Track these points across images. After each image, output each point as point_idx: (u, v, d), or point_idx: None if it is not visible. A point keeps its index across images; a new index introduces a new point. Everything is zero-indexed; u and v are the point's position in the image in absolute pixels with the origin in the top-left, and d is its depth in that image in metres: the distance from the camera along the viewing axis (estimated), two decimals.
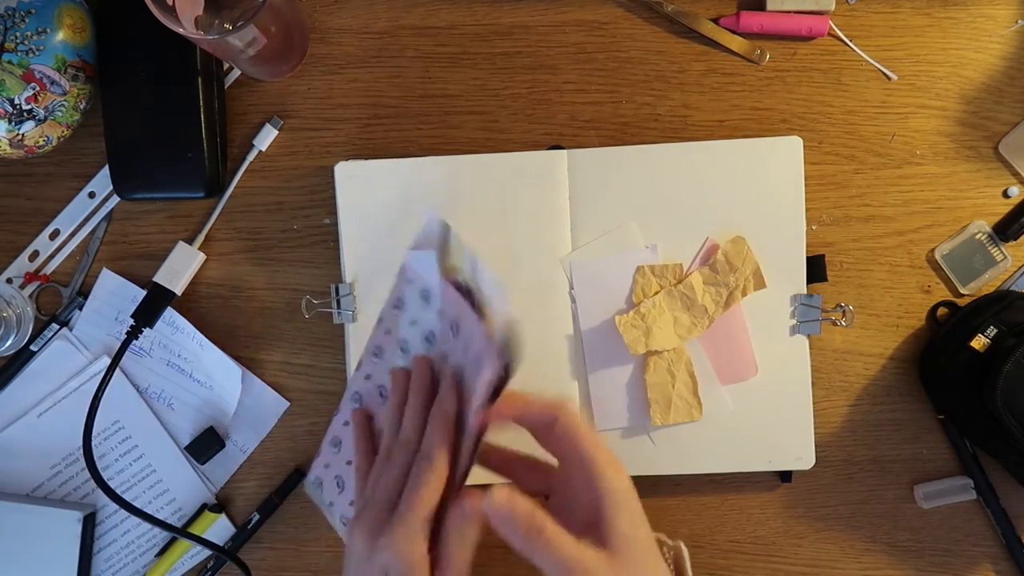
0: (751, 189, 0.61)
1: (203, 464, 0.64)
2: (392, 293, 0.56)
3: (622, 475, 0.45)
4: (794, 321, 0.61)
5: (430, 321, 0.54)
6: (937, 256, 0.63)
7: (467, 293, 0.49)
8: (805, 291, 0.61)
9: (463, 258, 0.50)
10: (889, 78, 0.63)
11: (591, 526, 0.45)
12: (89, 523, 0.63)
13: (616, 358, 0.61)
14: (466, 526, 0.46)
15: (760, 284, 0.61)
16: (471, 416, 0.46)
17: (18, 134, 0.57)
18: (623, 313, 0.60)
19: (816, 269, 0.61)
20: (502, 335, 0.46)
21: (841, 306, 0.62)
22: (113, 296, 0.64)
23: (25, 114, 0.57)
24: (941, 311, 0.63)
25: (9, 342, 0.63)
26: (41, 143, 0.59)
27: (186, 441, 0.64)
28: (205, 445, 0.63)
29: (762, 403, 0.61)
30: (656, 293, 0.61)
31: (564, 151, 0.61)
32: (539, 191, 0.61)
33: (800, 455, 0.61)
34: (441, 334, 0.51)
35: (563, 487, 0.48)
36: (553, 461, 0.48)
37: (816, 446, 0.61)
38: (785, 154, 0.61)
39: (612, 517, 0.44)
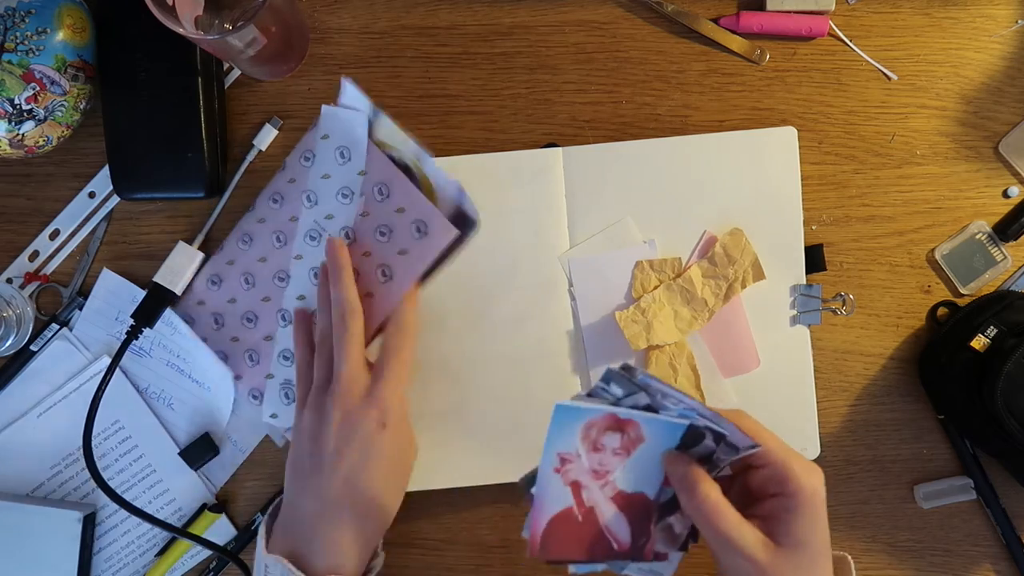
0: (747, 181, 0.61)
1: (196, 470, 0.64)
2: (300, 145, 0.62)
3: (816, 477, 0.47)
4: (794, 312, 0.61)
5: (347, 178, 0.59)
6: (937, 256, 0.63)
7: (405, 169, 0.56)
8: (804, 281, 0.61)
9: (401, 142, 0.57)
10: (889, 78, 0.63)
11: (770, 519, 0.47)
12: (89, 523, 0.63)
13: (617, 354, 0.61)
14: (401, 314, 0.55)
15: (759, 276, 0.61)
16: (404, 272, 0.56)
17: (18, 134, 0.57)
18: (623, 308, 0.60)
19: (815, 259, 0.62)
20: (451, 206, 0.53)
21: (841, 295, 0.62)
22: (113, 296, 0.64)
23: (25, 114, 0.57)
24: (941, 311, 0.63)
25: (9, 342, 0.63)
26: (41, 143, 0.59)
27: (185, 441, 0.64)
28: (199, 451, 0.63)
29: (765, 394, 0.61)
30: (655, 287, 0.61)
31: (559, 149, 0.61)
32: (535, 189, 0.61)
33: (805, 445, 0.61)
34: (365, 195, 0.58)
35: (749, 485, 0.50)
36: None
37: None
38: (780, 144, 0.61)
39: (793, 519, 0.46)
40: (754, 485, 0.49)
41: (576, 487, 0.48)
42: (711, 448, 0.47)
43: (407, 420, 0.55)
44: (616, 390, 0.46)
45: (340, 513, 0.52)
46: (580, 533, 0.49)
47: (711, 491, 0.46)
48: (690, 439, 0.47)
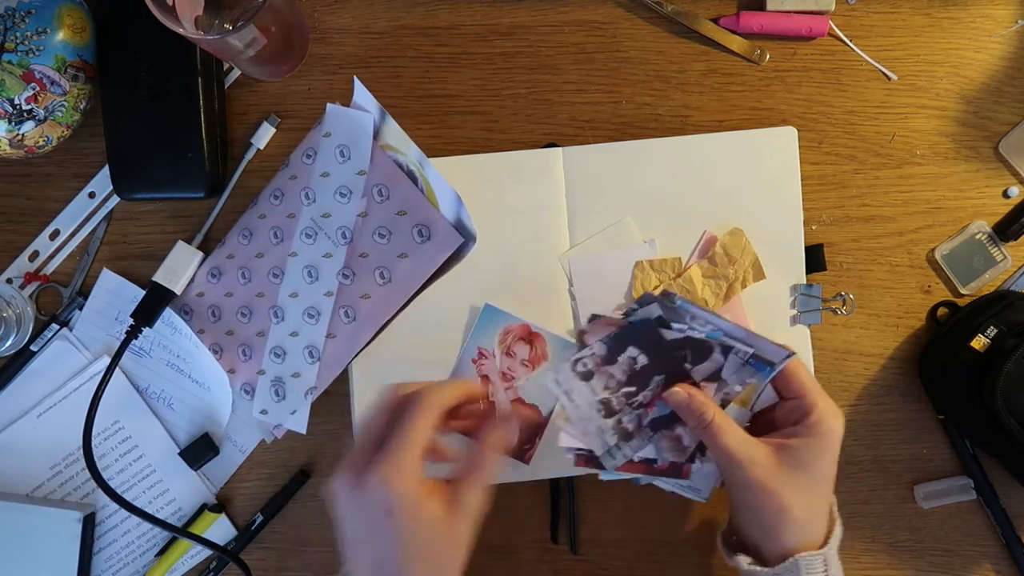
0: (747, 181, 0.61)
1: (196, 470, 0.64)
2: (304, 142, 0.62)
3: (837, 421, 0.51)
4: (795, 311, 0.61)
5: (346, 177, 0.60)
6: (937, 256, 0.63)
7: (408, 174, 0.57)
8: (804, 281, 0.61)
9: (406, 146, 0.57)
10: (889, 78, 0.63)
11: (782, 442, 0.50)
12: (89, 523, 0.63)
13: None
14: (495, 433, 0.49)
15: (759, 275, 0.61)
16: (404, 276, 0.57)
17: (18, 134, 0.57)
18: (623, 308, 0.60)
19: (815, 259, 0.62)
20: (451, 215, 0.55)
21: (841, 295, 0.62)
22: (113, 296, 0.64)
23: (25, 114, 0.57)
24: (941, 311, 0.63)
25: (9, 342, 0.63)
26: (41, 143, 0.59)
27: (185, 441, 0.64)
28: (199, 451, 0.63)
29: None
30: (656, 287, 0.61)
31: (559, 149, 0.61)
32: (535, 189, 0.61)
33: None
34: (365, 195, 0.59)
35: (774, 413, 0.54)
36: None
37: None
38: (780, 144, 0.61)
39: (803, 444, 0.50)
40: (779, 417, 0.53)
41: (485, 381, 0.59)
42: (719, 363, 0.53)
43: (454, 523, 0.46)
44: (655, 310, 0.52)
45: None
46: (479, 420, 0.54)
47: (715, 414, 0.50)
48: (696, 354, 0.53)
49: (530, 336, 0.57)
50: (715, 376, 0.53)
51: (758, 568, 0.51)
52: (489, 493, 0.47)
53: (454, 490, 0.46)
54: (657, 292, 0.53)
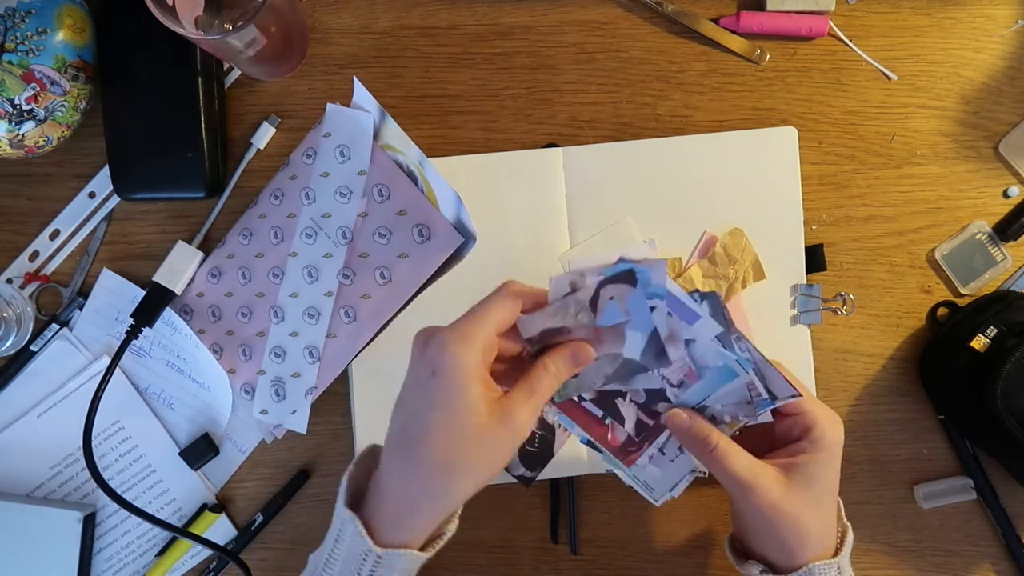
0: (747, 181, 0.61)
1: (196, 470, 0.64)
2: (304, 142, 0.62)
3: (838, 428, 0.51)
4: (795, 311, 0.61)
5: (345, 177, 0.60)
6: (937, 256, 0.63)
7: (408, 174, 0.56)
8: (804, 281, 0.61)
9: (406, 146, 0.56)
10: (889, 78, 0.63)
11: (788, 461, 0.50)
12: (89, 523, 0.63)
13: None
14: (562, 363, 0.48)
15: (760, 275, 0.61)
16: (404, 276, 0.55)
17: (18, 134, 0.57)
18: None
19: (815, 259, 0.62)
20: (452, 215, 0.54)
21: (841, 295, 0.62)
22: (113, 296, 0.64)
23: (25, 114, 0.57)
24: (941, 311, 0.63)
25: (9, 342, 0.63)
26: (41, 143, 0.59)
27: (185, 441, 0.64)
28: (199, 451, 0.63)
29: None
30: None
31: (559, 149, 0.61)
32: (535, 189, 0.61)
33: None
34: (365, 195, 0.58)
35: (774, 429, 0.53)
36: None
37: None
38: (780, 144, 0.61)
39: (810, 460, 0.49)
40: (779, 432, 0.53)
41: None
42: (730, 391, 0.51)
43: (512, 413, 0.45)
44: (705, 309, 0.49)
45: (392, 463, 0.47)
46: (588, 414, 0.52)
47: (719, 439, 0.49)
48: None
49: None
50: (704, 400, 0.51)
51: None
52: (536, 417, 0.47)
53: (507, 398, 0.45)
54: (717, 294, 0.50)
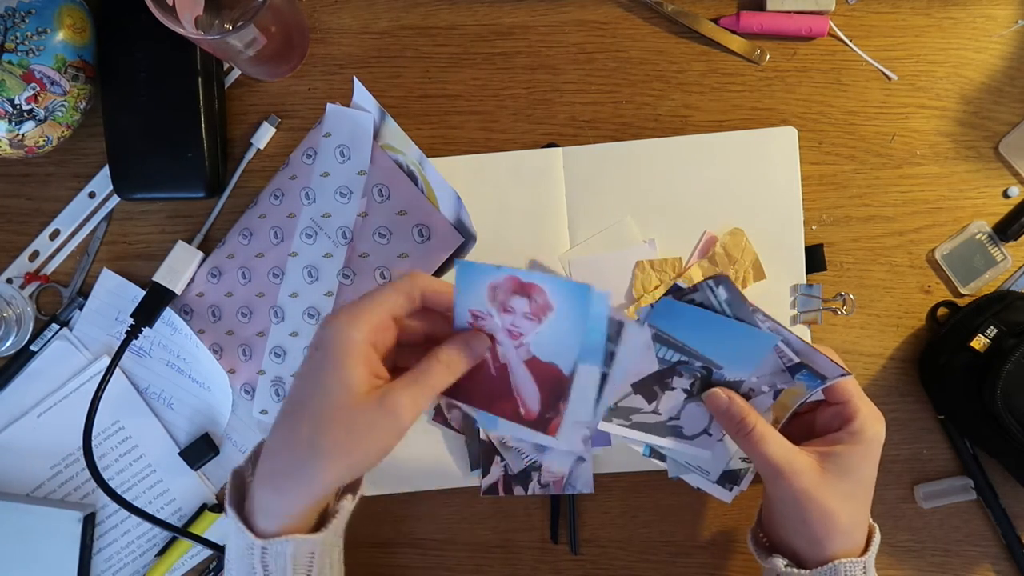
0: (747, 181, 0.61)
1: (196, 470, 0.64)
2: (304, 142, 0.62)
3: (880, 426, 0.51)
4: (795, 311, 0.61)
5: (346, 177, 0.60)
6: (937, 256, 0.63)
7: (408, 174, 0.56)
8: (804, 281, 0.61)
9: (406, 146, 0.56)
10: (889, 78, 0.63)
11: (825, 449, 0.50)
12: (89, 523, 0.63)
13: None
14: (455, 352, 0.46)
15: (760, 275, 0.61)
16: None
17: (18, 134, 0.57)
18: (623, 308, 0.60)
19: (815, 259, 0.62)
20: (451, 215, 0.53)
21: (841, 295, 0.62)
22: (113, 296, 0.64)
23: (25, 114, 0.57)
24: (941, 311, 0.63)
25: (9, 342, 0.63)
26: (41, 143, 0.59)
27: (185, 441, 0.64)
28: (199, 451, 0.63)
29: None
30: (656, 287, 0.61)
31: (559, 149, 0.61)
32: (535, 189, 0.61)
33: None
34: (365, 195, 0.58)
35: (815, 418, 0.53)
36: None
37: None
38: (780, 144, 0.61)
39: (847, 451, 0.49)
40: (820, 422, 0.53)
41: (493, 342, 0.48)
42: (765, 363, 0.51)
43: (398, 411, 0.43)
44: (723, 293, 0.50)
45: (269, 442, 0.46)
46: (491, 387, 0.49)
47: (757, 421, 0.49)
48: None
49: (523, 288, 0.46)
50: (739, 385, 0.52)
51: (795, 571, 0.50)
52: (423, 406, 0.44)
53: (388, 384, 0.44)
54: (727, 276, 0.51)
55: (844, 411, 0.51)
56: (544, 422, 0.49)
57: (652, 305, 0.51)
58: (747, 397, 0.52)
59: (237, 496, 0.47)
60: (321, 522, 0.47)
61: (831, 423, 0.52)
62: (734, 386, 0.52)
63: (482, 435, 0.61)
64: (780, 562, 0.51)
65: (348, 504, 0.48)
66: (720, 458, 0.54)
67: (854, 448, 0.49)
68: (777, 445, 0.49)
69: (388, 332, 0.45)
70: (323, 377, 0.43)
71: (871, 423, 0.50)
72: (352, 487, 0.49)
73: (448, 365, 0.45)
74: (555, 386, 0.48)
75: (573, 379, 0.47)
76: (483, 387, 0.49)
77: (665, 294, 0.51)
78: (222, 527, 0.64)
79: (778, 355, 0.51)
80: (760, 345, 0.50)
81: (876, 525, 0.52)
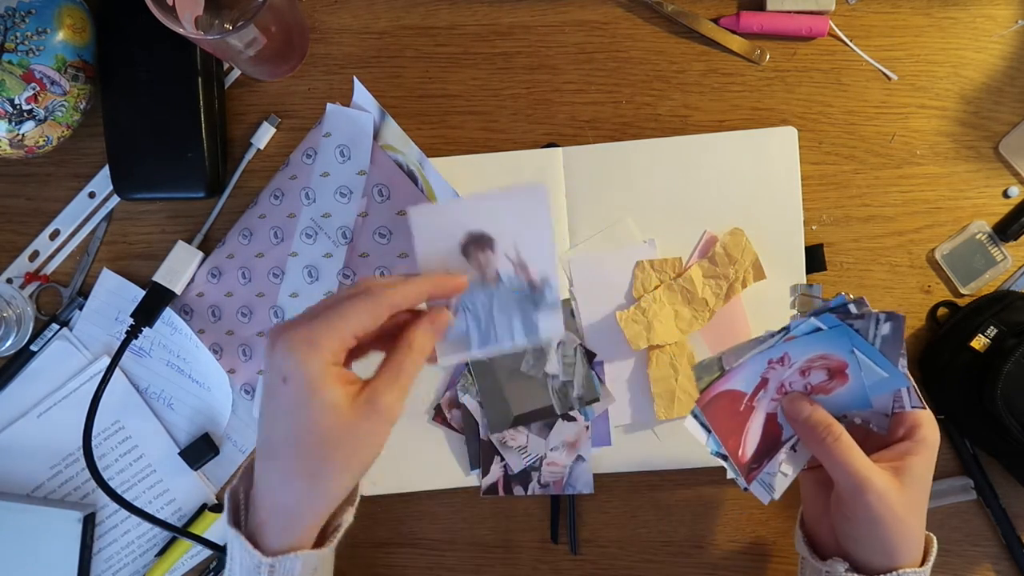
0: (747, 181, 0.61)
1: (196, 470, 0.64)
2: (304, 142, 0.62)
3: (936, 431, 0.51)
4: (794, 311, 0.61)
5: (346, 177, 0.59)
6: (937, 256, 0.63)
7: (408, 174, 0.56)
8: (804, 281, 0.61)
9: (405, 146, 0.56)
10: (889, 78, 0.63)
11: (894, 460, 0.49)
12: (89, 523, 0.63)
13: (618, 354, 0.61)
14: (423, 335, 0.45)
15: (760, 275, 0.61)
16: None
17: (18, 134, 0.57)
18: (623, 309, 0.60)
19: (815, 259, 0.62)
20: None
21: (841, 295, 0.62)
22: (113, 296, 0.64)
23: (25, 114, 0.57)
24: (941, 311, 0.63)
25: (9, 342, 0.63)
26: (41, 143, 0.59)
27: (185, 441, 0.64)
28: (199, 451, 0.63)
29: None
30: (656, 287, 0.61)
31: (559, 149, 0.61)
32: None
33: None
34: (365, 195, 0.58)
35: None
36: None
37: None
38: (780, 144, 0.61)
39: (916, 461, 0.49)
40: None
41: (763, 384, 0.52)
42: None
43: (372, 417, 0.43)
44: (885, 330, 0.49)
45: (262, 473, 0.46)
46: (730, 418, 0.52)
47: (841, 433, 0.49)
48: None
49: (834, 368, 0.50)
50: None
51: None
52: (407, 396, 0.44)
53: (370, 387, 0.43)
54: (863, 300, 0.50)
55: (907, 419, 0.51)
56: (747, 469, 0.53)
57: (817, 313, 0.50)
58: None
59: (236, 517, 0.47)
60: (323, 534, 0.48)
61: (895, 431, 0.51)
62: (830, 409, 0.51)
63: (482, 435, 0.62)
64: (840, 567, 0.50)
65: (348, 517, 0.49)
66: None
67: (922, 457, 0.49)
68: (861, 458, 0.48)
69: (352, 342, 0.44)
70: (305, 410, 0.42)
71: (933, 429, 0.50)
72: (350, 498, 0.50)
73: (420, 351, 0.45)
74: (771, 442, 0.52)
75: (784, 443, 0.52)
76: (724, 415, 0.52)
77: (831, 309, 0.50)
78: (222, 527, 0.64)
79: (894, 398, 0.50)
80: (888, 384, 0.49)
81: (933, 535, 0.52)
